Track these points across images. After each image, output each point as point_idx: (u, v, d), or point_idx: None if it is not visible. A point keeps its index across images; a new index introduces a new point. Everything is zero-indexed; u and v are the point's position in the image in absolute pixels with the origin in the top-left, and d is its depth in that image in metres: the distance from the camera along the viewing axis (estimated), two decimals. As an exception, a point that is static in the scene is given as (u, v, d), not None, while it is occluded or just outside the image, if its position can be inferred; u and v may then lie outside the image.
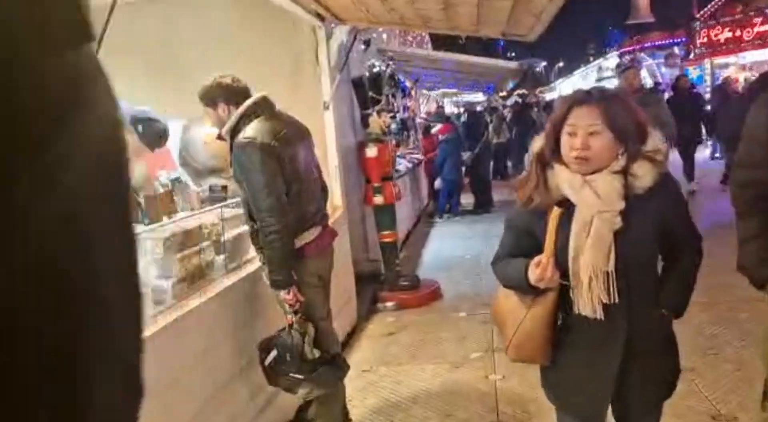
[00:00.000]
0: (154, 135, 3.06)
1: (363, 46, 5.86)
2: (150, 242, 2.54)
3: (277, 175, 2.62)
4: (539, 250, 1.72)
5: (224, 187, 3.32)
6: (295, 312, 2.71)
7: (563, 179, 1.71)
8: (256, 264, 3.02)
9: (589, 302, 1.71)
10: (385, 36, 7.13)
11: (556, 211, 1.71)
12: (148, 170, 4.52)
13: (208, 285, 2.73)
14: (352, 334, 4.68)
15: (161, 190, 4.31)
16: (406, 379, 3.89)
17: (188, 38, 4.57)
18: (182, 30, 4.60)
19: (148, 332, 2.21)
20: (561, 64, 42.62)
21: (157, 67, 4.63)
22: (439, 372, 3.95)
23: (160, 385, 2.23)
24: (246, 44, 4.49)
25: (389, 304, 5.34)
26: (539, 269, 1.67)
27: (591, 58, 37.36)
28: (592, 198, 1.68)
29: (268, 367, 2.71)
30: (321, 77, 4.73)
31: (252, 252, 3.13)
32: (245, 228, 3.15)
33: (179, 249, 2.60)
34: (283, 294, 2.68)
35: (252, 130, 2.65)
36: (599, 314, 1.71)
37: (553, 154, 1.74)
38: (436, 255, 7.28)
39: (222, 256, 2.94)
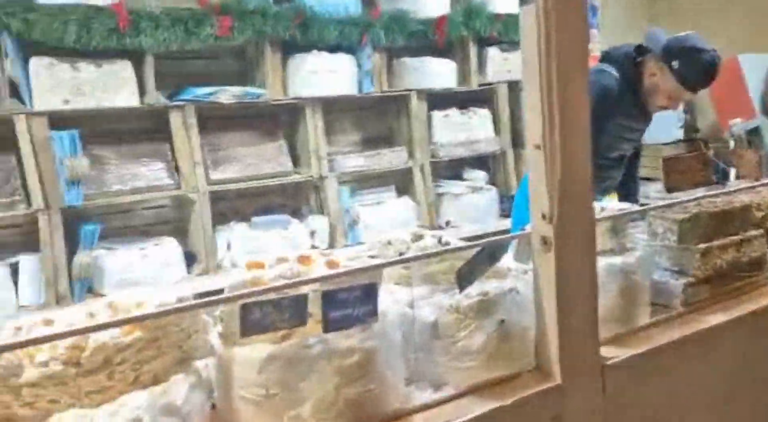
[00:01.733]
0: (695, 70, 2.20)
1: None
2: (661, 223, 1.81)
3: None
4: None
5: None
6: None
7: None
8: None
9: None
10: None
11: None
12: (717, 118, 3.63)
13: (743, 295, 1.81)
14: None
15: (732, 145, 3.41)
16: None
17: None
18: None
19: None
20: None
21: None
22: None
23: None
24: None
25: None
26: None
27: None
28: None
29: None
30: None
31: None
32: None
33: (706, 238, 1.77)
34: None
35: None
36: None
37: None
38: None
39: (783, 253, 1.92)
